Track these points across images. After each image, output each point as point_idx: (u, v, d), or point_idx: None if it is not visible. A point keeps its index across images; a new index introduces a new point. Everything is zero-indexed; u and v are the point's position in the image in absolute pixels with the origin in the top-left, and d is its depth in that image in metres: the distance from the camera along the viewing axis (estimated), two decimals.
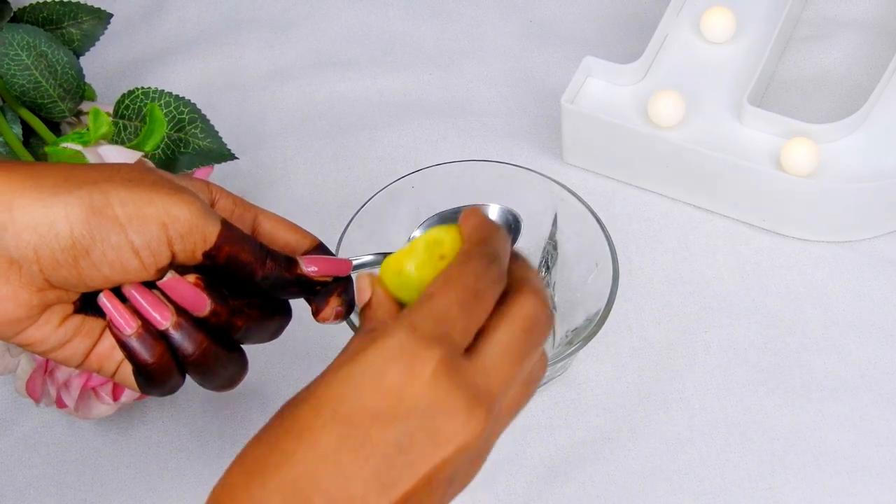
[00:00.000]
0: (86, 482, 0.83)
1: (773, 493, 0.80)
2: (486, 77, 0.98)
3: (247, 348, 0.70)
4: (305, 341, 0.87)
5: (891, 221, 0.88)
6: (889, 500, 0.80)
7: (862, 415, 0.82)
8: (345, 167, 0.94)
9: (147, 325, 0.65)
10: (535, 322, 0.60)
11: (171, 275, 0.64)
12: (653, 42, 0.92)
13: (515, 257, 0.62)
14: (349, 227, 0.80)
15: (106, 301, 0.64)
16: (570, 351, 0.77)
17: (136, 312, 0.65)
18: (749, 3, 0.94)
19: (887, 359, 0.84)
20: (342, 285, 0.68)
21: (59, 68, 0.90)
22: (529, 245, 0.83)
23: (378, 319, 0.61)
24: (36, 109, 0.89)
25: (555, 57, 0.98)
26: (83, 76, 0.91)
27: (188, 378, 0.69)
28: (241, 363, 0.68)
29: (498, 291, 0.60)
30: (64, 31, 0.94)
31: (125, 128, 0.88)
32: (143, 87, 0.88)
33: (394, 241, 0.78)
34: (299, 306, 0.70)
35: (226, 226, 0.65)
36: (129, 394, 0.81)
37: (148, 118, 0.85)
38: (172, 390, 0.67)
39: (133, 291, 0.65)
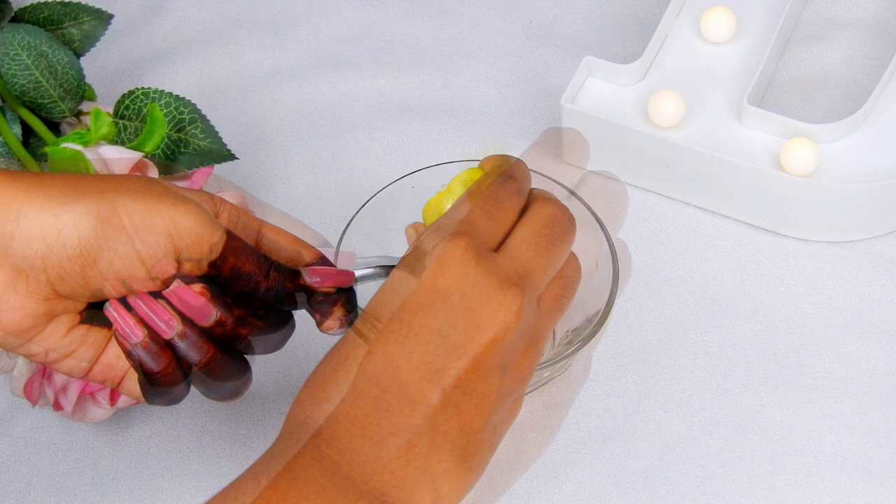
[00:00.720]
0: (85, 482, 0.83)
1: (773, 493, 0.80)
2: (486, 77, 0.98)
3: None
4: (305, 341, 0.87)
5: (891, 221, 0.88)
6: (889, 500, 0.80)
7: (862, 415, 0.82)
8: (345, 167, 0.94)
9: (153, 335, 0.65)
10: (555, 219, 0.65)
11: (176, 283, 0.65)
12: (653, 42, 0.92)
13: (537, 189, 0.67)
14: (349, 228, 0.80)
15: (112, 310, 0.65)
16: (570, 351, 0.77)
17: (142, 322, 0.65)
18: (749, 3, 0.94)
19: (887, 359, 0.84)
20: (344, 295, 0.68)
21: (59, 68, 0.90)
22: None
23: None
24: (36, 109, 0.89)
25: (555, 57, 0.98)
26: (83, 76, 0.91)
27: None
28: (246, 374, 0.69)
29: (518, 203, 0.65)
30: (64, 31, 0.94)
31: (125, 128, 0.88)
32: (143, 88, 0.88)
33: (394, 242, 0.78)
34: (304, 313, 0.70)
35: (230, 236, 0.65)
36: (126, 398, 0.81)
37: (148, 119, 0.85)
38: (177, 400, 0.67)
39: (138, 301, 0.65)
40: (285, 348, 0.86)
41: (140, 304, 0.65)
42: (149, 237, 0.63)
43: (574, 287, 0.66)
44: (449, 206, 0.68)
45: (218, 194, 0.72)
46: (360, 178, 0.94)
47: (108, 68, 1.00)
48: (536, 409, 0.83)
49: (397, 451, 0.60)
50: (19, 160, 0.87)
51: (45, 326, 0.65)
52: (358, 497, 0.59)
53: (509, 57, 0.99)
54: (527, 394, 0.79)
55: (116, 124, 0.89)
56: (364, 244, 0.80)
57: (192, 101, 0.88)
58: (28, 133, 0.90)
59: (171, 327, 0.65)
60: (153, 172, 0.83)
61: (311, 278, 0.68)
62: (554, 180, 0.81)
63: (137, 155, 0.83)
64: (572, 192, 0.81)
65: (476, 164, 0.70)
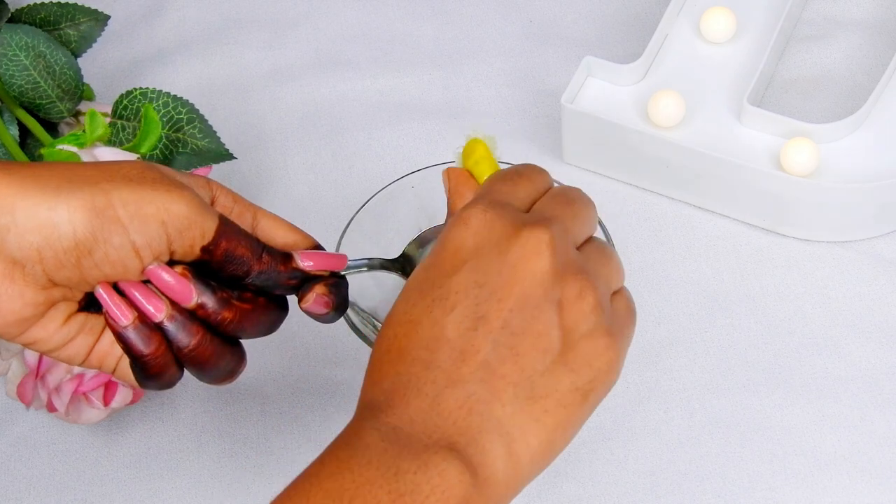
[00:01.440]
0: (85, 482, 0.83)
1: (773, 493, 0.80)
2: (486, 77, 0.98)
3: (247, 348, 0.70)
4: (305, 341, 0.87)
5: (891, 221, 0.88)
6: (889, 500, 0.80)
7: (862, 415, 0.82)
8: (345, 167, 0.94)
9: (143, 317, 0.65)
10: (568, 188, 0.66)
11: (155, 264, 0.65)
12: (653, 42, 0.92)
13: None
14: (349, 228, 0.80)
15: (102, 293, 0.65)
16: None
17: (132, 304, 0.65)
18: (749, 3, 0.94)
19: (887, 359, 0.84)
20: (332, 277, 0.69)
21: (57, 69, 0.90)
22: None
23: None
24: (34, 110, 0.89)
25: (555, 57, 0.98)
26: (81, 77, 0.91)
27: (187, 378, 0.69)
28: (239, 356, 0.69)
29: (542, 177, 0.66)
30: (61, 32, 0.94)
31: (123, 128, 0.88)
32: (140, 88, 0.88)
33: (394, 242, 0.78)
34: (299, 308, 0.70)
35: (223, 221, 0.66)
36: (120, 399, 0.81)
37: (143, 119, 0.85)
38: (170, 384, 0.67)
39: (127, 285, 0.65)
40: (285, 348, 0.87)
41: (128, 288, 0.65)
42: (143, 227, 0.64)
43: (611, 251, 0.65)
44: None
45: None
46: (359, 178, 0.94)
47: (107, 68, 1.00)
48: None
49: (455, 402, 0.59)
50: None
51: (43, 315, 0.65)
52: (423, 450, 0.58)
53: (509, 57, 0.99)
54: None
55: (115, 125, 0.89)
56: (364, 244, 0.79)
57: (191, 101, 0.89)
58: (25, 134, 0.90)
59: (158, 310, 0.65)
60: None
61: (303, 262, 0.68)
62: (554, 181, 0.81)
63: (133, 156, 0.83)
64: None
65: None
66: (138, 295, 0.65)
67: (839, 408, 0.83)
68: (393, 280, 0.81)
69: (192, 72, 0.99)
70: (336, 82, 0.98)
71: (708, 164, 0.87)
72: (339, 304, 0.69)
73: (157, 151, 0.87)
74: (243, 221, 0.69)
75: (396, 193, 0.82)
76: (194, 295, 0.66)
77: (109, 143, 0.87)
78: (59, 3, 0.94)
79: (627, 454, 0.82)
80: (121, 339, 0.66)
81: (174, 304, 0.66)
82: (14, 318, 0.64)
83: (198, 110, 0.88)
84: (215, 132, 0.88)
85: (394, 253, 0.78)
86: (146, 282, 0.66)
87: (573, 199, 0.65)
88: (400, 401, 0.59)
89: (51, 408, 0.81)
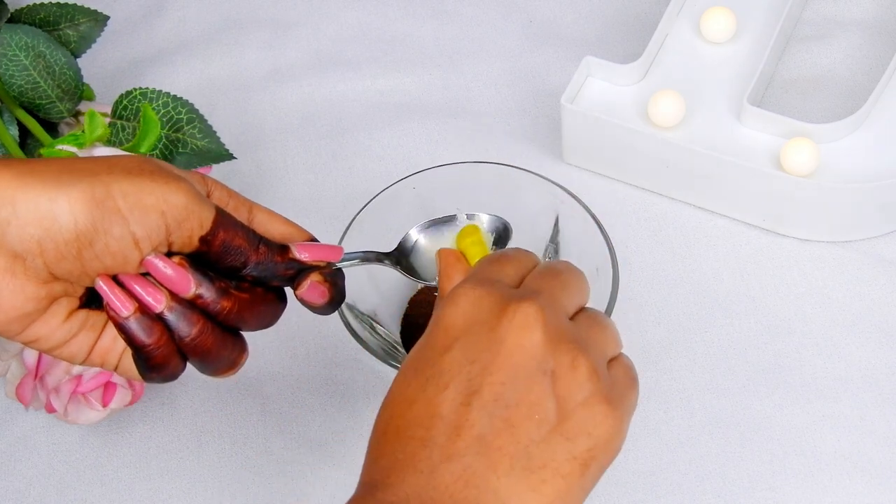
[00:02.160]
0: (85, 482, 0.83)
1: (773, 493, 0.80)
2: (486, 77, 0.98)
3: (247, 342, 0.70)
4: (305, 341, 0.87)
5: (891, 221, 0.88)
6: (889, 500, 0.80)
7: (862, 415, 0.82)
8: (345, 167, 0.94)
9: (143, 308, 0.65)
10: (556, 263, 0.66)
11: (153, 254, 0.65)
12: (653, 42, 0.92)
13: None
14: (350, 228, 0.80)
15: (103, 284, 0.65)
16: None
17: (132, 295, 0.66)
18: (749, 3, 0.94)
19: (887, 359, 0.84)
20: (328, 267, 0.69)
21: (57, 69, 0.90)
22: (530, 246, 0.83)
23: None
24: (34, 110, 0.89)
25: (555, 57, 0.98)
26: (81, 77, 0.91)
27: (187, 378, 0.69)
28: (240, 346, 0.69)
29: (525, 258, 0.66)
30: (61, 32, 0.95)
31: (123, 128, 0.88)
32: (140, 88, 0.88)
33: (394, 243, 0.78)
34: (299, 306, 0.70)
35: (220, 212, 0.66)
36: (119, 400, 0.81)
37: (141, 120, 0.85)
38: (174, 376, 0.68)
39: (127, 277, 0.65)
40: (285, 348, 0.87)
41: (127, 279, 0.65)
42: (143, 218, 0.64)
43: (610, 325, 0.65)
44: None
45: None
46: (360, 178, 0.94)
47: (107, 68, 1.00)
48: None
49: (451, 476, 0.59)
50: None
51: (45, 310, 0.65)
52: None
53: (509, 57, 0.99)
54: None
55: (114, 125, 0.89)
56: (364, 245, 0.79)
57: (190, 101, 0.89)
58: (25, 134, 0.90)
59: (158, 300, 0.66)
60: None
61: (299, 253, 0.68)
62: (554, 182, 0.81)
63: None
64: (572, 195, 0.81)
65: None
66: (137, 287, 0.66)
67: (839, 408, 0.83)
68: (391, 282, 0.81)
69: (192, 72, 1.00)
70: (336, 82, 0.98)
71: (708, 164, 0.87)
72: (335, 294, 0.69)
73: (157, 151, 0.87)
74: (239, 216, 0.69)
75: (397, 194, 0.82)
76: (192, 284, 0.66)
77: (109, 143, 0.87)
78: (58, 3, 0.94)
79: (627, 454, 0.82)
80: (122, 330, 0.66)
81: (173, 294, 0.66)
82: (16, 313, 0.64)
83: (198, 110, 0.88)
84: (215, 132, 0.88)
85: None
86: (145, 274, 0.66)
87: (560, 270, 0.65)
88: (397, 478, 0.60)
89: (49, 408, 0.81)
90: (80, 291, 0.66)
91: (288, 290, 0.70)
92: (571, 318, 0.64)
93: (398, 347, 0.82)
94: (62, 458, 0.84)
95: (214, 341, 0.67)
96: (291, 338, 0.87)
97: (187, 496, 0.82)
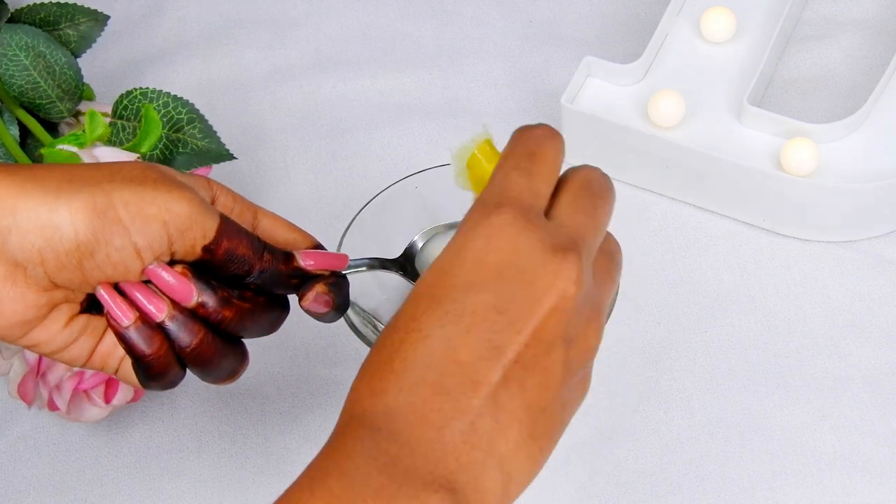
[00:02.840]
0: (85, 482, 0.83)
1: (773, 493, 0.80)
2: (486, 77, 0.98)
3: (247, 348, 0.70)
4: (305, 341, 0.87)
5: (891, 221, 0.88)
6: (889, 500, 0.80)
7: (862, 415, 0.82)
8: (345, 167, 0.94)
9: (144, 318, 0.65)
10: (592, 179, 0.62)
11: (155, 263, 0.65)
12: (653, 42, 0.92)
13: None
14: (350, 228, 0.80)
15: (104, 293, 0.65)
16: None
17: (133, 304, 0.65)
18: (749, 3, 0.94)
19: (887, 359, 0.84)
20: (333, 276, 0.68)
21: (57, 69, 0.90)
22: None
23: None
24: (34, 110, 0.89)
25: (555, 57, 0.98)
26: (81, 77, 0.91)
27: (188, 377, 0.69)
28: (241, 355, 0.69)
29: (554, 147, 0.61)
30: (61, 32, 0.95)
31: (123, 128, 0.88)
32: (140, 88, 0.88)
33: (395, 243, 0.78)
34: (299, 308, 0.70)
35: (224, 220, 0.66)
36: (122, 397, 0.81)
37: (143, 119, 0.85)
38: (173, 384, 0.67)
39: (128, 285, 0.65)
40: (285, 348, 0.87)
41: (129, 288, 0.65)
42: (145, 228, 0.63)
43: (619, 261, 0.63)
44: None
45: None
46: (360, 178, 0.94)
47: (107, 68, 1.00)
48: None
49: (461, 436, 0.57)
50: (16, 162, 0.87)
51: (45, 317, 0.65)
52: (421, 488, 0.56)
53: (509, 57, 0.99)
54: None
55: (114, 125, 0.89)
56: (365, 245, 0.79)
57: (191, 101, 0.89)
58: (25, 134, 0.90)
59: (160, 310, 0.65)
60: None
61: (304, 261, 0.68)
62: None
63: (133, 156, 0.83)
64: None
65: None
66: (139, 295, 0.65)
67: (839, 408, 0.83)
68: (395, 281, 0.81)
69: (192, 72, 1.00)
70: (336, 82, 0.98)
71: (708, 164, 0.87)
72: (340, 303, 0.69)
73: (157, 151, 0.87)
74: (244, 221, 0.69)
75: (399, 194, 0.82)
76: (195, 294, 0.66)
77: (109, 143, 0.87)
78: (58, 3, 0.94)
79: (627, 454, 0.82)
80: (122, 339, 0.66)
81: (175, 303, 0.66)
82: (16, 319, 0.64)
83: (198, 110, 0.88)
84: (215, 132, 0.88)
85: (395, 254, 0.78)
86: (146, 282, 0.66)
87: (594, 203, 0.61)
88: (403, 426, 0.57)
89: (52, 406, 0.81)
90: (81, 297, 0.66)
91: (290, 297, 0.70)
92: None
93: None
94: (62, 458, 0.84)
95: (215, 350, 0.67)
96: (291, 338, 0.87)
97: (187, 496, 0.82)
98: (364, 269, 0.72)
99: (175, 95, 0.88)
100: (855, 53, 0.96)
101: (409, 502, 0.56)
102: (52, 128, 0.91)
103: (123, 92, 0.88)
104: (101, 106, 0.91)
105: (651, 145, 0.88)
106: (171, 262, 0.66)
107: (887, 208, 0.87)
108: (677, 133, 0.89)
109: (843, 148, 0.88)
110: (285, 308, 0.70)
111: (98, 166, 0.65)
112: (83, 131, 0.84)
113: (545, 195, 0.60)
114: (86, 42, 0.95)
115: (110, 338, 0.67)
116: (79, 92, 0.90)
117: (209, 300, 0.66)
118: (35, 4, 0.94)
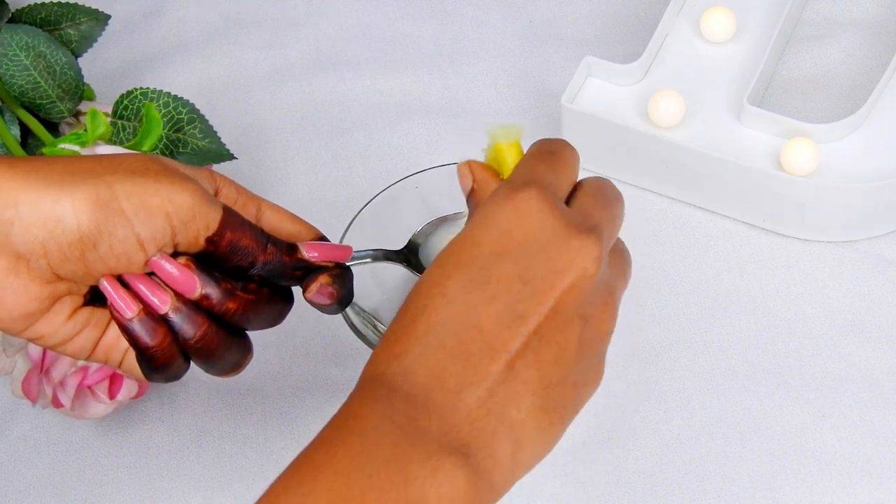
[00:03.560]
0: (85, 482, 0.83)
1: (773, 493, 0.80)
2: (486, 77, 0.98)
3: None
4: (305, 340, 0.87)
5: (891, 221, 0.88)
6: (889, 500, 0.80)
7: (862, 415, 0.82)
8: (345, 167, 0.94)
9: (148, 310, 0.65)
10: (605, 186, 0.64)
11: (159, 255, 0.65)
12: (653, 42, 0.92)
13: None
14: (350, 228, 0.80)
15: (107, 285, 0.65)
16: None
17: (137, 297, 0.65)
18: (749, 3, 0.94)
19: (887, 359, 0.84)
20: (336, 268, 0.68)
21: (57, 69, 0.90)
22: None
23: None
24: (35, 110, 0.90)
25: (555, 57, 0.98)
26: (82, 76, 0.91)
27: (188, 378, 0.69)
28: (245, 348, 0.69)
29: (572, 153, 0.64)
30: (62, 32, 0.95)
31: (124, 128, 0.88)
32: (141, 88, 0.88)
33: (396, 243, 0.78)
34: (303, 304, 0.70)
35: (228, 212, 0.66)
36: (126, 392, 0.81)
37: (144, 118, 0.85)
38: (177, 376, 0.67)
39: (132, 277, 0.65)
40: (285, 347, 0.87)
41: (133, 280, 0.65)
42: (148, 219, 0.63)
43: (630, 261, 0.64)
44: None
45: None
46: (360, 178, 0.94)
47: (108, 68, 1.00)
48: None
49: (477, 401, 0.57)
50: None
51: (49, 309, 0.65)
52: (436, 451, 0.56)
53: (509, 57, 0.99)
54: None
55: (115, 124, 0.89)
56: (365, 245, 0.79)
57: (191, 101, 0.89)
58: (26, 134, 0.90)
59: (163, 301, 0.65)
60: None
61: (308, 252, 0.68)
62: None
63: None
64: None
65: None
66: (143, 287, 0.65)
67: (839, 408, 0.83)
68: (395, 281, 0.81)
69: (192, 72, 1.00)
70: (336, 82, 0.98)
71: (708, 164, 0.87)
72: (344, 294, 0.69)
73: (158, 151, 0.87)
74: (247, 212, 0.69)
75: (399, 194, 0.82)
76: (198, 285, 0.66)
77: (110, 142, 0.87)
78: (59, 3, 0.94)
79: (627, 454, 0.82)
80: (126, 331, 0.66)
81: (178, 295, 0.66)
82: (19, 312, 0.64)
83: (198, 110, 0.88)
84: (216, 132, 0.89)
85: None
86: (150, 274, 0.66)
87: (610, 200, 0.63)
88: (420, 389, 0.58)
89: (56, 403, 0.81)
90: (84, 290, 0.66)
91: (294, 289, 0.70)
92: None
93: None
94: (62, 458, 0.84)
95: (219, 343, 0.67)
96: (291, 337, 0.87)
97: (187, 496, 0.82)
98: (368, 260, 0.71)
99: (175, 95, 0.88)
100: (855, 53, 0.96)
101: (423, 464, 0.56)
102: (53, 128, 0.91)
103: (124, 92, 0.89)
104: (102, 106, 0.91)
105: (651, 145, 0.88)
106: (175, 254, 0.66)
107: (887, 208, 0.87)
108: (677, 133, 0.89)
109: (843, 148, 0.88)
110: (289, 300, 0.70)
111: (100, 158, 0.65)
112: (84, 130, 0.84)
113: (565, 189, 0.63)
114: (86, 42, 0.96)
115: (114, 330, 0.67)
116: (79, 92, 0.91)
117: (213, 292, 0.66)
118: (36, 4, 0.94)
